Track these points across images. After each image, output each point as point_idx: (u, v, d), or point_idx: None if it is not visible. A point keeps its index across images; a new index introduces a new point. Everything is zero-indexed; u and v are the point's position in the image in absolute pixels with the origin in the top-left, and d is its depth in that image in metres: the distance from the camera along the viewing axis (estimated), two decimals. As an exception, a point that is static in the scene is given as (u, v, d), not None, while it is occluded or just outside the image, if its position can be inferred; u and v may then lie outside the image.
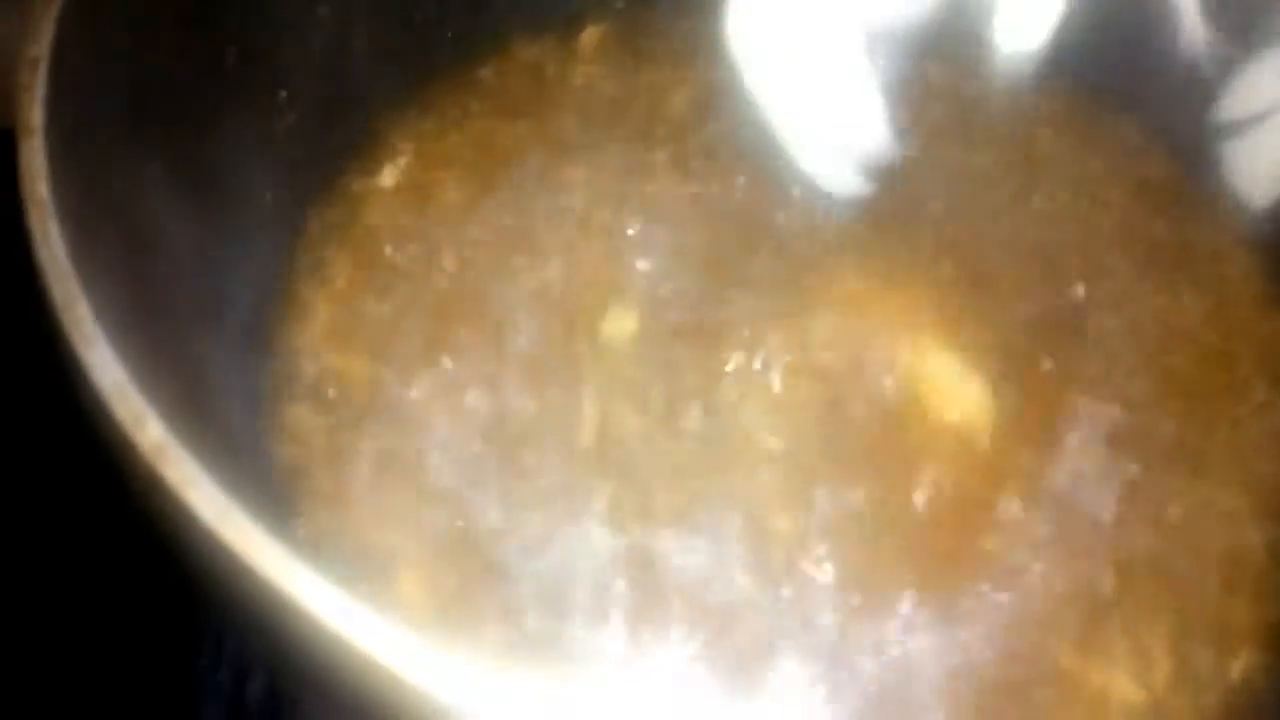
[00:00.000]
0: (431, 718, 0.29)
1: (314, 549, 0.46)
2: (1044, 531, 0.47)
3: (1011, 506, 0.47)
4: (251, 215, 0.51)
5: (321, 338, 0.52)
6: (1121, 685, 0.45)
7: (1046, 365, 0.50)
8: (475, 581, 0.46)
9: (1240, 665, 0.45)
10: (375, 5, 0.58)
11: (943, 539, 0.47)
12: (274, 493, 0.47)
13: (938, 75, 0.58)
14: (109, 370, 0.33)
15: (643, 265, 0.53)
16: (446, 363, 0.51)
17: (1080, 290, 0.53)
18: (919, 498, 0.47)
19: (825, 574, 0.45)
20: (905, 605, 0.45)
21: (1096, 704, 0.44)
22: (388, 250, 0.55)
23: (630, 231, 0.54)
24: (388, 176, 0.57)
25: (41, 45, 0.39)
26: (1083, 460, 0.48)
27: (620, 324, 0.52)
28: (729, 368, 0.50)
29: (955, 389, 0.50)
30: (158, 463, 0.32)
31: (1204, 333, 0.53)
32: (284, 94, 0.54)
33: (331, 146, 0.57)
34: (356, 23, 0.57)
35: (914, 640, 0.44)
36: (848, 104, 0.50)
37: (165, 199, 0.45)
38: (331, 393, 0.51)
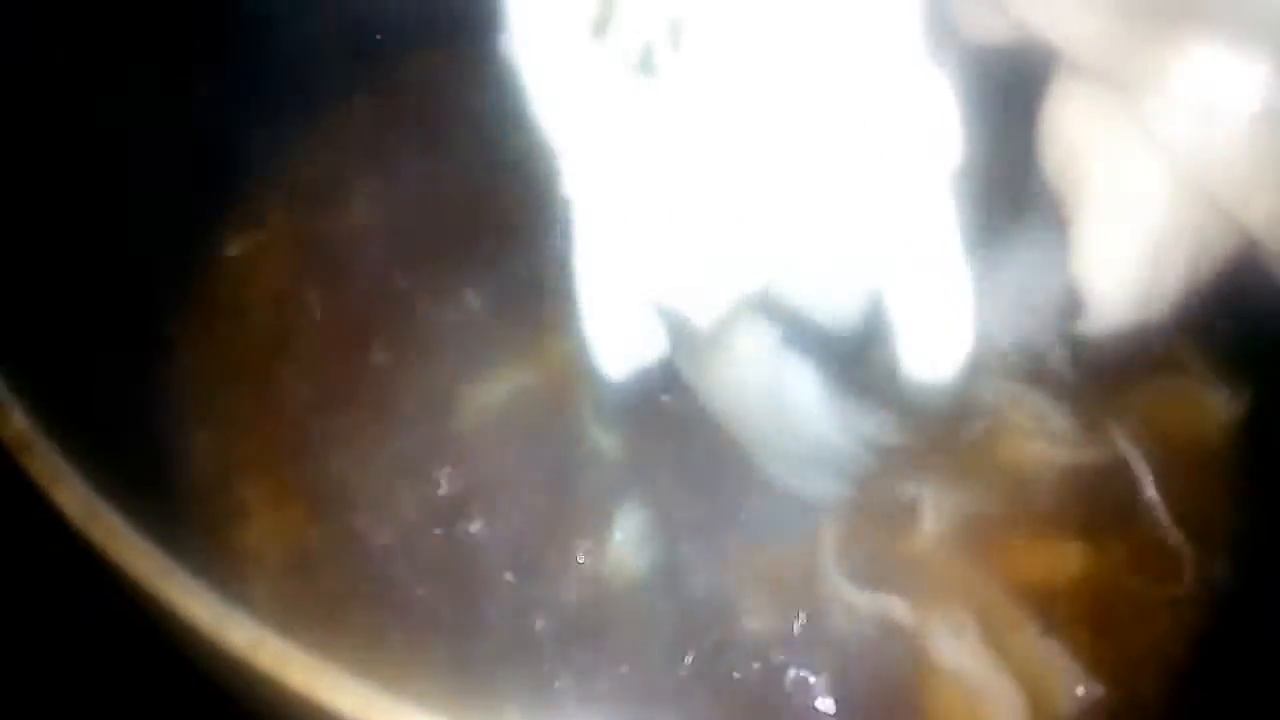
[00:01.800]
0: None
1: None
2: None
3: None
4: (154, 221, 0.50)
5: (216, 349, 0.52)
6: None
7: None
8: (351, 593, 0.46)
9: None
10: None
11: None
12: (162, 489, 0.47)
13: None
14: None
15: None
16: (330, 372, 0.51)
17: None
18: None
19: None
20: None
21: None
22: (275, 260, 0.55)
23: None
24: (278, 196, 0.57)
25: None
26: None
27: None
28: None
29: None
30: (20, 455, 0.30)
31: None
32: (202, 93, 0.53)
33: (240, 152, 0.56)
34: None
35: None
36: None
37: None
38: (228, 396, 0.50)
